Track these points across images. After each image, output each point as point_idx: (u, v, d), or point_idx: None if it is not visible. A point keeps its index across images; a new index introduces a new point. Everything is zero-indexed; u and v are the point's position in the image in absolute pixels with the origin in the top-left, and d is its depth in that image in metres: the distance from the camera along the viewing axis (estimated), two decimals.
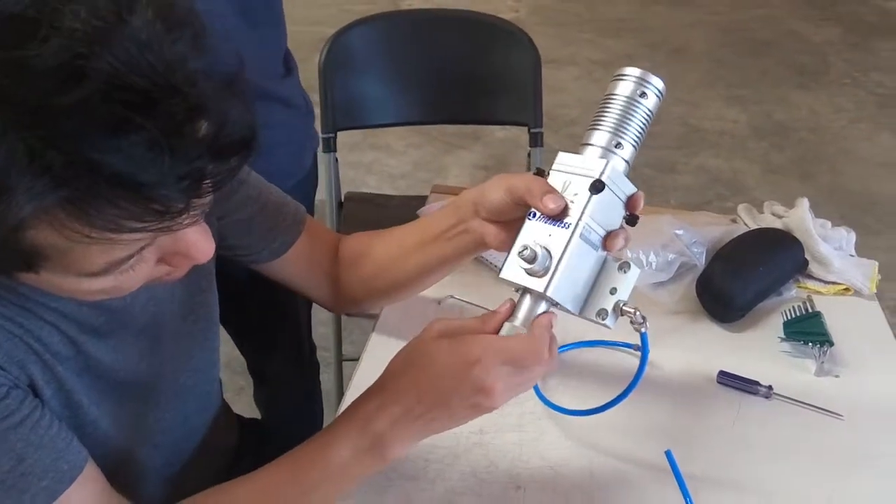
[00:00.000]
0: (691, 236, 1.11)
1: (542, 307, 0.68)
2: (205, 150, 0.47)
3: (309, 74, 1.68)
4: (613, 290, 0.68)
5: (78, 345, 0.66)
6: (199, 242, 0.57)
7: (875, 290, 1.11)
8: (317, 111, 1.67)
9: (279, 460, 0.69)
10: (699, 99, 3.78)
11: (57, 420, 0.64)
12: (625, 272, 0.68)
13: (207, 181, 0.49)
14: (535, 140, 1.70)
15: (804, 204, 1.18)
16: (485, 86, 1.72)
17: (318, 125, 1.66)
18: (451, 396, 0.63)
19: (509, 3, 5.12)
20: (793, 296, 1.10)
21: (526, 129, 1.71)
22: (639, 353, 0.97)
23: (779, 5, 5.15)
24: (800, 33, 4.69)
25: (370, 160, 3.16)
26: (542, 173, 0.70)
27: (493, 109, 1.75)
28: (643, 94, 0.68)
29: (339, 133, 1.70)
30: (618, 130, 0.68)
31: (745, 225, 1.21)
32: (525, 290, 0.68)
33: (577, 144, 0.71)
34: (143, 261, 0.55)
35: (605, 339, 1.00)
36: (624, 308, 0.67)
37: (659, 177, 3.12)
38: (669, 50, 4.40)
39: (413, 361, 0.66)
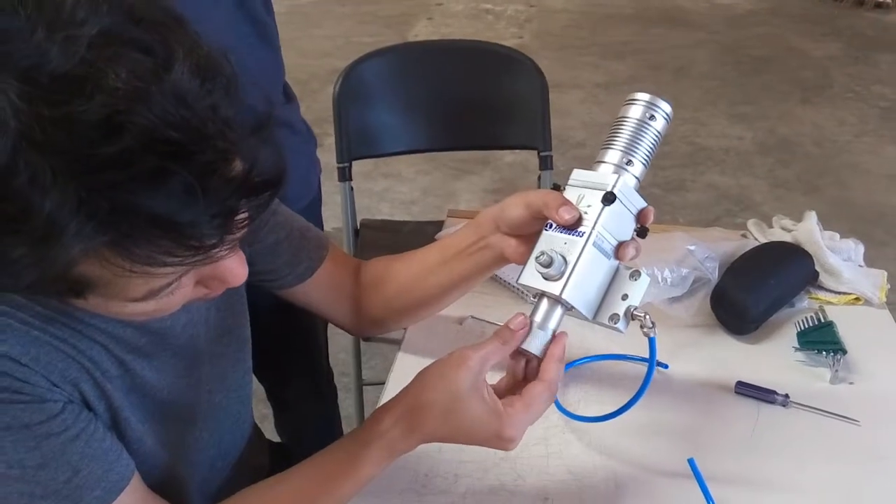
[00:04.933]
0: (704, 252, 1.14)
1: (558, 312, 0.73)
2: (236, 190, 0.51)
3: (320, 105, 1.73)
4: (625, 297, 0.72)
5: (125, 364, 0.70)
6: (234, 268, 0.61)
7: (885, 299, 1.14)
8: (330, 141, 1.72)
9: (308, 470, 0.75)
10: (703, 118, 3.83)
11: (109, 432, 0.68)
12: (636, 280, 0.72)
13: (239, 218, 0.53)
14: (546, 163, 1.74)
15: (812, 217, 1.21)
16: (494, 112, 1.76)
17: (332, 155, 1.71)
18: (475, 443, 0.72)
19: (513, 31, 5.21)
20: (805, 307, 1.13)
21: (535, 152, 1.74)
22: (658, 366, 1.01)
23: (777, 23, 5.21)
24: (800, 49, 4.75)
25: (382, 188, 3.21)
26: (558, 188, 0.75)
27: (503, 134, 1.79)
28: (652, 117, 0.73)
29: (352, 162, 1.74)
30: (628, 149, 0.73)
31: (756, 239, 1.24)
32: (542, 294, 0.73)
33: (584, 166, 0.76)
34: (182, 286, 0.59)
35: (625, 353, 1.03)
36: (635, 313, 0.71)
37: (668, 195, 3.16)
38: (671, 70, 4.46)
39: (446, 405, 0.71)
